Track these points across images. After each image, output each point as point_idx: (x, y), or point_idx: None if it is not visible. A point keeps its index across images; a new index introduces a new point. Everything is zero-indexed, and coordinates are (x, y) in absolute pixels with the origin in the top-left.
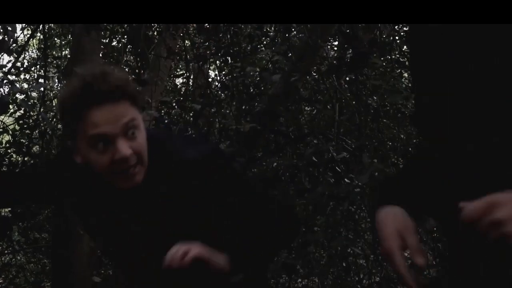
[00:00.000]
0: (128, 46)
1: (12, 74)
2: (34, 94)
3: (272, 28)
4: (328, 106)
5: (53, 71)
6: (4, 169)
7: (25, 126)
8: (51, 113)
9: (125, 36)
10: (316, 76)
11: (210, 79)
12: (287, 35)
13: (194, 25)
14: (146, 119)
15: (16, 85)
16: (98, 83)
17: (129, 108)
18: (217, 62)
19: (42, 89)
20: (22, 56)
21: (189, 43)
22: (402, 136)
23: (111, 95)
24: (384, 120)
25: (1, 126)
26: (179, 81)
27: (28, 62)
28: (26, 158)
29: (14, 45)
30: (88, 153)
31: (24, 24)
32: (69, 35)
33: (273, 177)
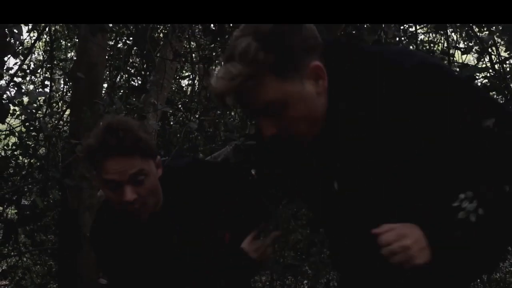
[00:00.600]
0: (134, 48)
1: (18, 77)
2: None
3: None
4: None
5: (59, 73)
6: (10, 171)
7: (31, 128)
8: (57, 116)
9: (131, 38)
10: None
11: None
12: None
13: (200, 26)
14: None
15: (22, 88)
16: (112, 139)
17: (139, 161)
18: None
19: (48, 90)
20: (28, 58)
21: (195, 45)
22: None
23: (122, 150)
24: None
25: (8, 128)
26: (184, 82)
27: (34, 65)
28: (32, 160)
29: (20, 47)
30: (104, 190)
31: (30, 27)
32: (75, 37)
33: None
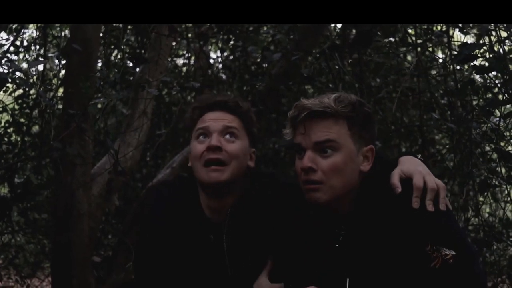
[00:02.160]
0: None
1: (11, 53)
2: (33, 70)
3: None
4: (330, 85)
5: (53, 51)
6: (3, 149)
7: (24, 105)
8: (50, 93)
9: None
10: (319, 56)
11: (211, 61)
12: None
13: None
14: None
15: (15, 63)
16: (219, 97)
17: (233, 119)
18: (219, 42)
19: (41, 68)
20: (22, 35)
21: None
22: (404, 119)
23: (224, 105)
24: (388, 104)
25: (0, 106)
26: (180, 61)
27: (27, 41)
28: (26, 138)
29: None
30: (191, 145)
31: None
32: None
33: (274, 157)
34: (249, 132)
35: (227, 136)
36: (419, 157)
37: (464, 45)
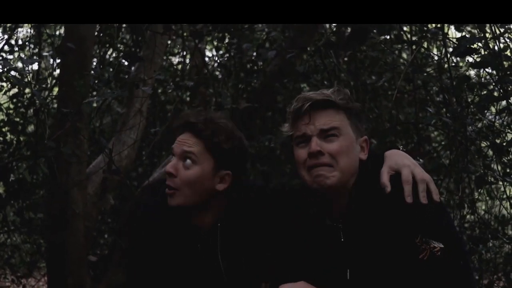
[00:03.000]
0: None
1: (5, 52)
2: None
3: None
4: (325, 83)
5: (47, 50)
6: None
7: (19, 104)
8: (45, 92)
9: None
10: (314, 53)
11: (206, 59)
12: None
13: None
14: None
15: (9, 62)
16: (188, 117)
17: (196, 142)
18: (214, 41)
19: (36, 66)
20: (16, 33)
21: None
22: (400, 116)
23: (190, 127)
24: (383, 103)
25: None
26: (175, 60)
27: (21, 40)
28: (21, 137)
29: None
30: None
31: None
32: None
33: (269, 155)
34: (217, 155)
35: (186, 161)
36: (401, 148)
37: (463, 38)
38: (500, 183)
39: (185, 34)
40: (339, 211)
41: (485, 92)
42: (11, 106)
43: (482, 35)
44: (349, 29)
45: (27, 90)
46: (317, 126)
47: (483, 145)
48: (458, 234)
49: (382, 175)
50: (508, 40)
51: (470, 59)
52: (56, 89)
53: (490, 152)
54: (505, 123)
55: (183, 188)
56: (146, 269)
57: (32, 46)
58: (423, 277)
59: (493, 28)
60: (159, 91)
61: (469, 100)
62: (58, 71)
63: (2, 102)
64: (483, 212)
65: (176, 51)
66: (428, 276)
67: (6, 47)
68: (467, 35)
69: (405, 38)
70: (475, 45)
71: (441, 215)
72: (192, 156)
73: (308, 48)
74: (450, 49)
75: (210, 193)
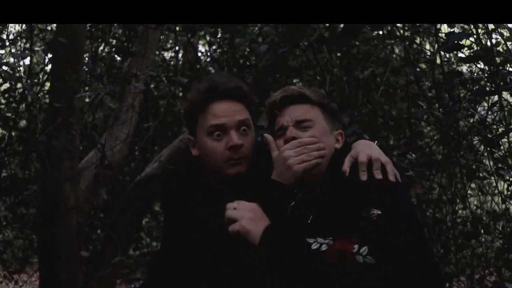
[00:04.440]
0: None
1: None
2: (19, 63)
3: None
4: (318, 78)
5: (39, 44)
6: None
7: (11, 99)
8: (38, 87)
9: None
10: (306, 48)
11: (199, 54)
12: None
13: None
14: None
15: (1, 57)
16: (222, 83)
17: (245, 110)
18: (207, 36)
19: (27, 61)
20: (7, 28)
21: None
22: (393, 112)
23: (231, 93)
24: (376, 97)
25: None
26: (167, 55)
27: (13, 35)
28: (12, 132)
29: None
30: (205, 142)
31: None
32: None
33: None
34: (251, 111)
35: (242, 129)
36: (376, 142)
37: (451, 33)
38: (492, 178)
39: (177, 29)
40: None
41: (477, 87)
42: (3, 101)
43: (473, 31)
44: (341, 25)
45: (19, 85)
46: (293, 118)
47: (475, 140)
48: (408, 208)
49: (344, 163)
50: (499, 37)
51: (461, 55)
52: (48, 84)
53: (482, 147)
54: (497, 118)
55: (248, 154)
56: (180, 239)
57: (24, 40)
58: (353, 232)
59: (486, 24)
60: (152, 86)
61: (462, 95)
62: (50, 66)
63: None
64: (475, 207)
65: (168, 46)
66: (359, 232)
67: None
68: (459, 31)
69: (397, 33)
70: (467, 41)
71: (388, 189)
72: (247, 122)
73: (301, 43)
74: None
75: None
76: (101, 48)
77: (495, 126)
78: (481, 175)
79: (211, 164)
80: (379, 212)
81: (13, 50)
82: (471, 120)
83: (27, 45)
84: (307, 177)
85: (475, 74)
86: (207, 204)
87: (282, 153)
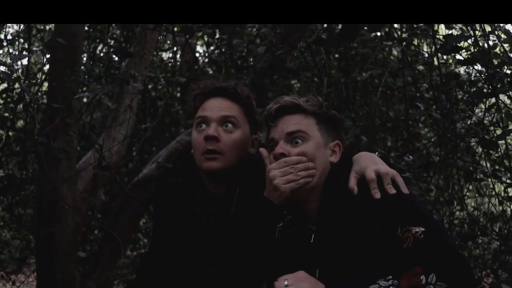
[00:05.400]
0: None
1: None
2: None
3: None
4: (315, 79)
5: (37, 45)
6: None
7: (9, 100)
8: (35, 88)
9: None
10: (304, 50)
11: (197, 55)
12: None
13: None
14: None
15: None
16: (220, 83)
17: (234, 108)
18: (205, 37)
19: (25, 62)
20: (5, 28)
21: None
22: (390, 114)
23: (224, 91)
24: (373, 99)
25: None
26: (165, 55)
27: (11, 35)
28: (10, 133)
29: None
30: (193, 134)
31: None
32: None
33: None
34: (249, 119)
35: (226, 125)
36: (377, 153)
37: (449, 35)
38: (489, 180)
39: (175, 29)
40: (310, 213)
41: (474, 89)
42: (1, 101)
43: (471, 33)
44: (339, 26)
45: (16, 85)
46: (284, 130)
47: (472, 142)
48: (435, 218)
49: (350, 180)
50: (496, 39)
51: (459, 57)
52: (46, 85)
53: (480, 149)
54: (494, 120)
55: (227, 152)
56: (169, 237)
57: (22, 41)
58: (412, 263)
59: (483, 26)
60: (150, 87)
61: (459, 97)
62: (48, 66)
63: None
64: (472, 209)
65: (166, 46)
66: (418, 261)
67: None
68: (457, 33)
69: (395, 35)
70: (464, 43)
71: (413, 202)
72: (233, 119)
73: (299, 45)
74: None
75: (245, 156)
76: (99, 48)
77: (492, 128)
78: (478, 177)
79: (196, 159)
80: (423, 229)
81: (11, 51)
82: (469, 122)
83: (25, 45)
84: (297, 197)
85: (473, 76)
86: (200, 203)
87: (269, 173)
